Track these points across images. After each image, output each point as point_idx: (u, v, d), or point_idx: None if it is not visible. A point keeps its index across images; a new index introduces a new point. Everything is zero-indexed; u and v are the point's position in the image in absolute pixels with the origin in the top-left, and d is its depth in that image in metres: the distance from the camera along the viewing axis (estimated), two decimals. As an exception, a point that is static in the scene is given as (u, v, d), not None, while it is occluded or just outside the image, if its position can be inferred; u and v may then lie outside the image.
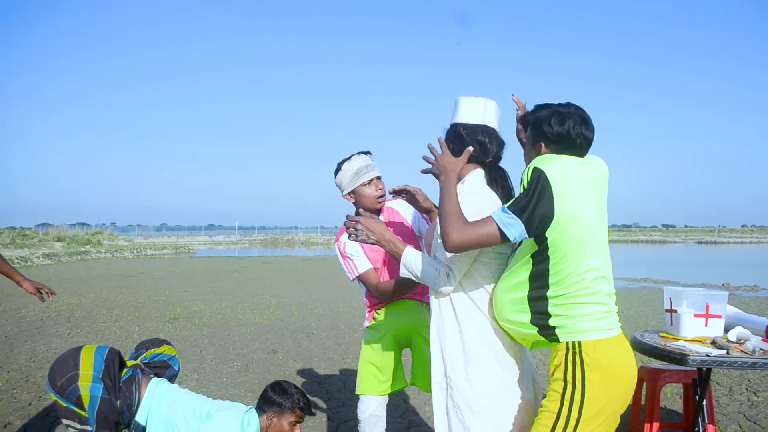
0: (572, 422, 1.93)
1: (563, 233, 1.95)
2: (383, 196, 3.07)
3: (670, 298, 3.28)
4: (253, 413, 2.88)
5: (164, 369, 3.06)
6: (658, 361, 3.23)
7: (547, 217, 1.93)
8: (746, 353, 2.88)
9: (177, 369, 3.13)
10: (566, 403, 1.95)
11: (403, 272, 2.26)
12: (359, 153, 3.10)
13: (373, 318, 3.19)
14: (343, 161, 3.08)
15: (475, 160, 2.29)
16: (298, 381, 5.62)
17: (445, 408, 2.20)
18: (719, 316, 3.16)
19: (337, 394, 5.22)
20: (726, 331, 3.19)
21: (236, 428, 2.76)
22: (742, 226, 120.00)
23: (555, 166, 1.98)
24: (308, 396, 3.04)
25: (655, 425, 3.63)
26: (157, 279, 16.73)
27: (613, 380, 1.97)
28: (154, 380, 2.89)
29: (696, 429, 3.08)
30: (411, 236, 3.09)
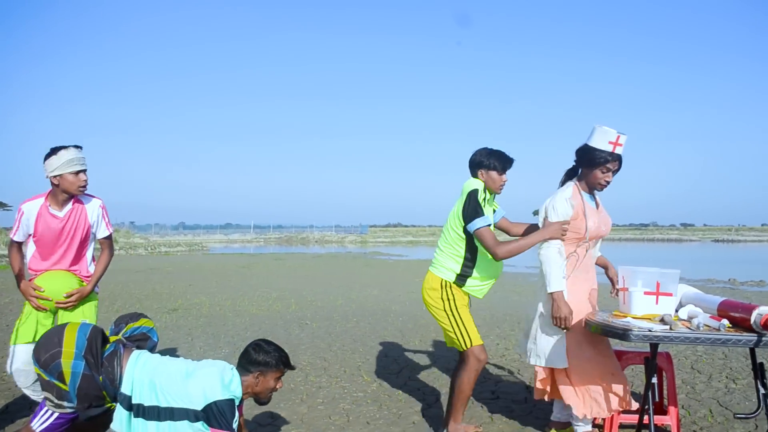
0: None
1: None
2: (85, 186, 3.72)
3: (623, 277, 3.31)
4: (235, 372, 2.98)
5: (144, 341, 3.21)
6: (618, 341, 3.27)
7: None
8: (691, 329, 2.90)
9: (156, 340, 3.30)
10: None
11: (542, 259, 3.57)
12: (74, 146, 3.66)
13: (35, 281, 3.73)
14: (60, 148, 3.63)
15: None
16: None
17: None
18: (670, 294, 3.18)
19: (315, 378, 5.29)
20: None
21: (217, 385, 2.84)
22: (762, 225, 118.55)
23: None
24: (285, 350, 3.14)
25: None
26: (165, 274, 16.91)
27: None
28: (136, 352, 3.01)
29: (646, 407, 3.09)
30: (88, 232, 3.84)
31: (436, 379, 5.30)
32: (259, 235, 64.81)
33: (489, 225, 3.54)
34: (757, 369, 3.19)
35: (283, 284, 13.79)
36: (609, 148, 3.52)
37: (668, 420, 3.67)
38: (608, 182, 3.61)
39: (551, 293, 3.51)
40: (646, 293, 3.17)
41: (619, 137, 3.49)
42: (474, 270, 3.68)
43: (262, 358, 3.00)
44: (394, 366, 5.75)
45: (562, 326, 3.50)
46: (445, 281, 3.70)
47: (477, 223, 3.50)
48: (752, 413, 3.23)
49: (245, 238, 61.29)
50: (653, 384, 3.14)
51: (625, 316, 3.16)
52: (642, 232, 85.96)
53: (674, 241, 62.05)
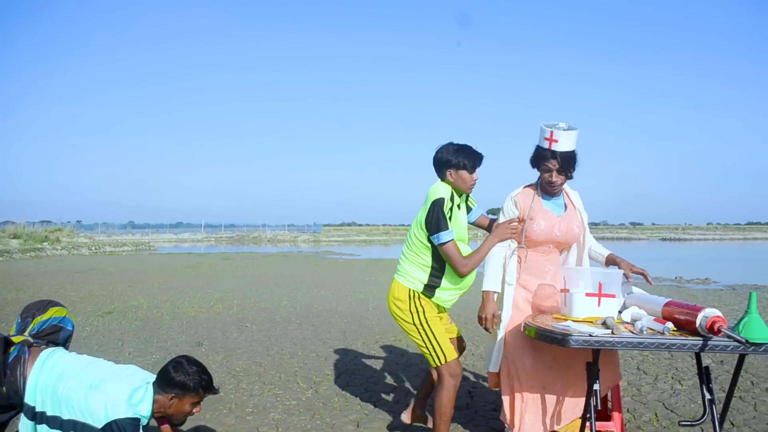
0: None
1: None
2: None
3: (564, 278, 3.12)
4: (149, 389, 2.69)
5: (56, 333, 2.87)
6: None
7: None
8: (634, 333, 2.72)
9: (70, 329, 2.95)
10: None
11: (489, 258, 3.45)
12: None
13: None
14: None
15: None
16: (213, 372, 5.32)
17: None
18: (613, 296, 2.99)
19: (247, 386, 4.99)
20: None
21: (122, 402, 2.55)
22: (708, 224, 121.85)
23: None
24: (210, 372, 2.87)
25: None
26: (106, 275, 16.31)
27: None
28: (44, 353, 2.70)
29: (588, 415, 2.90)
30: None
31: (376, 384, 5.06)
32: (210, 234, 63.66)
33: (453, 239, 3.28)
34: (703, 373, 3.02)
35: (228, 285, 13.39)
36: (545, 145, 3.31)
37: (612, 426, 3.49)
38: (553, 182, 3.36)
39: (482, 291, 3.42)
40: (587, 295, 2.98)
41: (552, 133, 3.26)
42: (443, 280, 3.42)
43: (180, 380, 2.70)
44: (332, 371, 5.49)
45: (483, 326, 3.42)
46: (413, 291, 3.42)
47: (441, 237, 3.25)
48: (697, 420, 3.07)
49: (195, 237, 60.21)
50: (596, 390, 2.94)
51: (566, 320, 2.96)
52: (593, 231, 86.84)
53: (624, 240, 63.24)
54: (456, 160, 3.37)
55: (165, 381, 2.70)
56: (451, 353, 3.39)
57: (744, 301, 10.59)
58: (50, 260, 23.81)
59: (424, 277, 3.41)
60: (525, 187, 3.54)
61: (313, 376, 5.30)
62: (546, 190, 3.45)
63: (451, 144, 3.45)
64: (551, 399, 3.28)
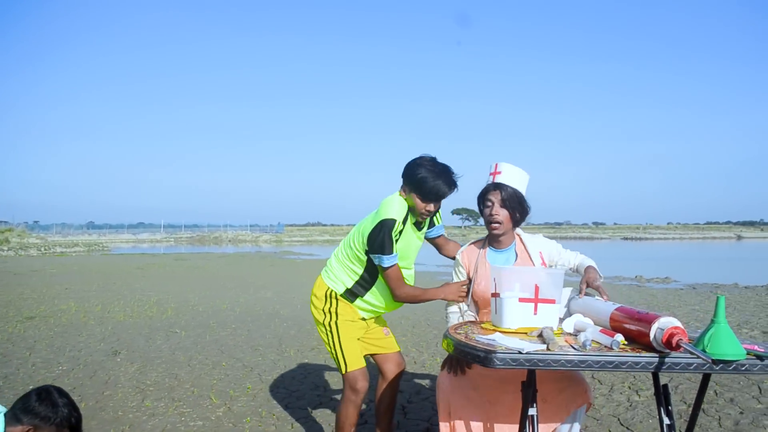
0: None
1: None
2: None
3: (494, 279, 2.58)
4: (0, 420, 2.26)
5: None
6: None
7: None
8: (576, 348, 2.19)
9: None
10: None
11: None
12: None
13: None
14: None
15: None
16: (120, 386, 4.73)
17: None
18: (552, 301, 2.46)
19: (152, 403, 4.37)
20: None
21: None
22: (668, 224, 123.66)
23: None
24: (80, 410, 2.40)
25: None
26: (47, 276, 15.47)
27: None
28: None
29: (522, 444, 2.37)
30: None
31: (300, 399, 4.48)
32: (170, 235, 62.34)
33: (395, 264, 2.98)
34: (661, 394, 2.52)
35: (171, 287, 12.68)
36: (489, 180, 2.93)
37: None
38: (493, 215, 2.86)
39: None
40: (521, 300, 2.44)
41: (497, 165, 2.91)
42: (367, 293, 3.16)
43: (43, 411, 2.27)
44: (255, 384, 4.90)
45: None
46: (333, 291, 3.18)
47: (384, 261, 2.96)
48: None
49: (154, 237, 58.89)
50: (531, 416, 2.41)
51: (494, 331, 2.42)
52: (556, 230, 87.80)
53: (586, 239, 63.60)
54: (414, 180, 2.93)
55: (24, 410, 2.27)
56: (355, 362, 3.10)
57: (705, 300, 10.24)
58: (-7, 261, 22.75)
59: (349, 283, 3.17)
60: (472, 243, 3.11)
61: (231, 390, 4.70)
62: (491, 235, 2.96)
63: (429, 161, 2.98)
64: (486, 427, 2.75)
